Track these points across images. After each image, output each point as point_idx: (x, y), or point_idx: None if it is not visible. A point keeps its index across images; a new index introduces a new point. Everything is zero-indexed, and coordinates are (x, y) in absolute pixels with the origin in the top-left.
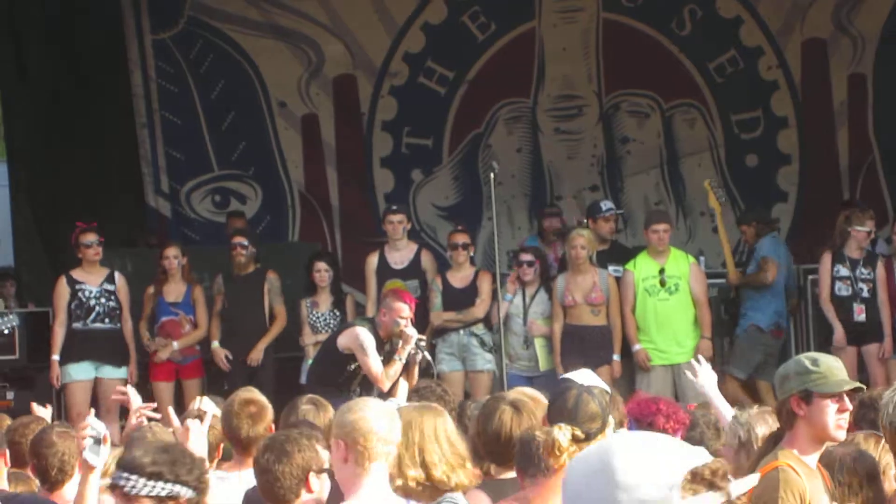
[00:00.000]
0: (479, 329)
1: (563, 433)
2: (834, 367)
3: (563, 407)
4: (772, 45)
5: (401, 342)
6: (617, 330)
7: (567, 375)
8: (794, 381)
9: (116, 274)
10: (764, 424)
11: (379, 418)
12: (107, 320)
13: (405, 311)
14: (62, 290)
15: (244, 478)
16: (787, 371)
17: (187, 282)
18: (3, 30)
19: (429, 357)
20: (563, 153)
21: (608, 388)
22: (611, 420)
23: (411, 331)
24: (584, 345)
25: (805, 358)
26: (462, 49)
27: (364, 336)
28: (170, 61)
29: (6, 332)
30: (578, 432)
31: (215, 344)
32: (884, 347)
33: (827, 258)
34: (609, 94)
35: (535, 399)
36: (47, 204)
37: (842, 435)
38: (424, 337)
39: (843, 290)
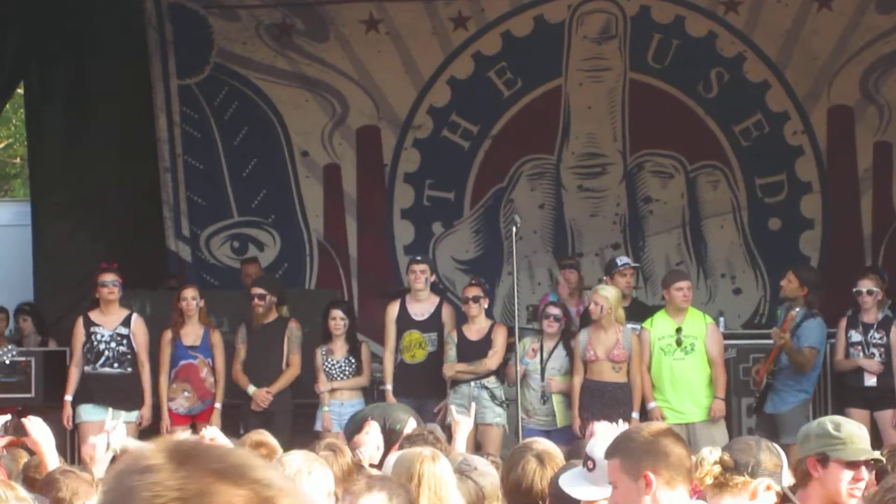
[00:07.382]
0: (491, 382)
1: None
2: (855, 435)
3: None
4: (798, 111)
5: None
6: (637, 387)
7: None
8: (814, 442)
9: (134, 316)
10: None
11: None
12: (115, 365)
13: None
14: (78, 332)
15: None
16: (810, 431)
17: (204, 325)
18: (29, 74)
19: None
20: (585, 210)
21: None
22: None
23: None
24: (603, 400)
25: (829, 421)
26: (487, 104)
27: None
28: (194, 107)
29: (7, 361)
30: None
31: (252, 388)
32: None
33: (843, 324)
34: (633, 153)
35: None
36: (69, 245)
37: None
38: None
39: (855, 355)
